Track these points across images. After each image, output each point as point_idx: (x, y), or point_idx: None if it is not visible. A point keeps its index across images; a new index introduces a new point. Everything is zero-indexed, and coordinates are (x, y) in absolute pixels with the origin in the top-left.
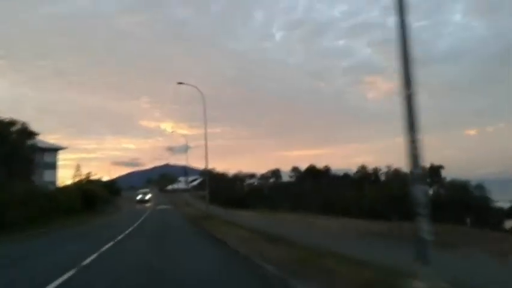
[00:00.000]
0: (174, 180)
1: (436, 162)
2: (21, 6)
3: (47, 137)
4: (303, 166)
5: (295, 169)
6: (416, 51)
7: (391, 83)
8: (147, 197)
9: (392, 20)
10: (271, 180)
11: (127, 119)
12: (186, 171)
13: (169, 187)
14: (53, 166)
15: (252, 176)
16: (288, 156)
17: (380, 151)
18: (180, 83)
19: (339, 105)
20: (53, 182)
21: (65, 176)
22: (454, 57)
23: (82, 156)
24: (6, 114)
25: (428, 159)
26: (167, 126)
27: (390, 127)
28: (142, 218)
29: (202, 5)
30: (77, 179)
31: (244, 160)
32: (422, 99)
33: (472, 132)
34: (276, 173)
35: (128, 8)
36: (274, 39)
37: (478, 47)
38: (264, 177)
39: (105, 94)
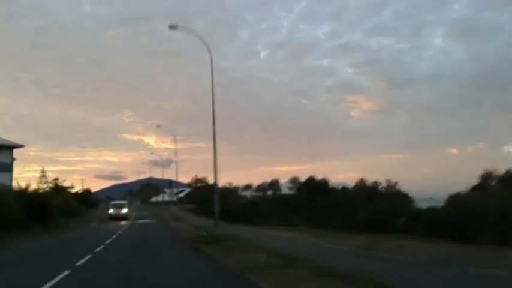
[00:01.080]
0: (158, 191)
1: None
2: (2, 17)
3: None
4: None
5: (294, 180)
6: (397, 73)
7: (372, 102)
8: (124, 211)
9: (374, 42)
10: (269, 192)
11: (109, 132)
12: (171, 183)
13: (153, 199)
14: (5, 167)
15: (248, 187)
16: (272, 172)
17: (361, 167)
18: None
19: (321, 123)
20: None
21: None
22: (434, 79)
23: (63, 169)
24: None
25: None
26: (150, 140)
27: (371, 144)
28: (114, 236)
29: (186, 22)
30: (42, 186)
31: (229, 174)
32: (402, 120)
33: (453, 151)
34: (274, 184)
35: (111, 22)
36: (259, 57)
37: (456, 71)
38: (260, 188)
39: (87, 107)
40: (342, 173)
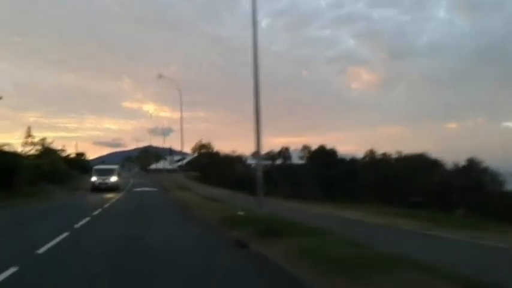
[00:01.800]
0: (158, 158)
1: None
2: None
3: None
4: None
5: (305, 148)
6: (399, 43)
7: (374, 74)
8: (113, 179)
9: (377, 13)
10: (278, 161)
11: (109, 99)
12: (171, 150)
13: (153, 166)
14: None
15: (254, 155)
16: (271, 143)
17: (363, 140)
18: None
19: (321, 94)
20: None
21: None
22: (436, 52)
23: (62, 135)
24: None
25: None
26: (150, 108)
27: (371, 117)
28: (96, 213)
29: None
30: (27, 147)
31: (229, 143)
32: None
33: (452, 125)
34: (284, 153)
35: None
36: (260, 26)
37: (459, 43)
38: (269, 157)
39: (85, 74)
40: (340, 145)
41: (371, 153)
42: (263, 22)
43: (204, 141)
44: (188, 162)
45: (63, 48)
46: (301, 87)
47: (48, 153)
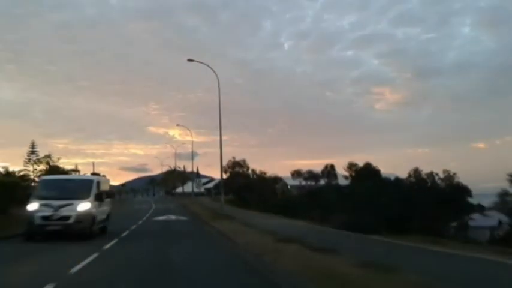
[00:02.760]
0: (184, 179)
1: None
2: (31, 12)
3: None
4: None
5: (352, 166)
6: (424, 62)
7: (398, 94)
8: (81, 207)
9: (400, 32)
10: (322, 181)
11: (135, 124)
12: (198, 172)
13: (179, 190)
14: None
15: (296, 174)
16: (295, 165)
17: (388, 161)
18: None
19: (346, 115)
20: None
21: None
22: (462, 69)
23: (90, 161)
24: (15, 118)
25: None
26: (175, 132)
27: (397, 137)
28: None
29: (211, 14)
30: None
31: (254, 167)
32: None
33: (480, 145)
34: (328, 171)
35: (136, 15)
36: (283, 48)
37: (485, 60)
38: (311, 176)
39: (113, 100)
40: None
41: (416, 173)
42: (286, 44)
43: (237, 159)
44: (216, 185)
45: (92, 74)
46: (325, 108)
47: (54, 173)
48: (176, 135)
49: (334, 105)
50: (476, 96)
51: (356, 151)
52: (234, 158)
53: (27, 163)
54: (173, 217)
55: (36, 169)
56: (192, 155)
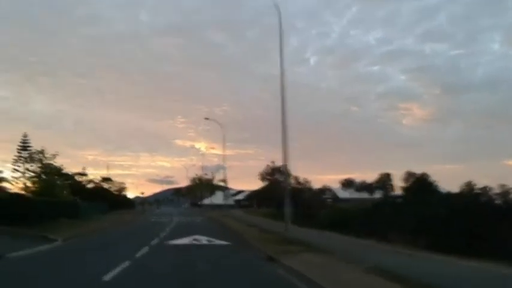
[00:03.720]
0: (212, 189)
1: None
2: (63, 27)
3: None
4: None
5: (410, 176)
6: (452, 78)
7: (426, 110)
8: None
9: (428, 48)
10: (377, 193)
11: (162, 137)
12: (226, 184)
13: (206, 201)
14: None
15: (347, 185)
16: (321, 180)
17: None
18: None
19: (372, 131)
20: None
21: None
22: (491, 85)
23: (118, 173)
24: (46, 129)
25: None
26: (201, 145)
27: (425, 153)
28: None
29: (237, 31)
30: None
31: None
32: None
33: (511, 162)
34: (385, 183)
35: (164, 31)
36: (308, 64)
37: None
38: (363, 187)
39: (141, 113)
40: (394, 181)
41: (467, 186)
42: (312, 59)
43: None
44: (249, 196)
45: (120, 88)
46: (350, 123)
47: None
48: (202, 148)
49: (360, 121)
50: (506, 113)
51: (382, 166)
52: (273, 162)
53: (16, 162)
54: (205, 240)
55: (28, 169)
56: (224, 158)
